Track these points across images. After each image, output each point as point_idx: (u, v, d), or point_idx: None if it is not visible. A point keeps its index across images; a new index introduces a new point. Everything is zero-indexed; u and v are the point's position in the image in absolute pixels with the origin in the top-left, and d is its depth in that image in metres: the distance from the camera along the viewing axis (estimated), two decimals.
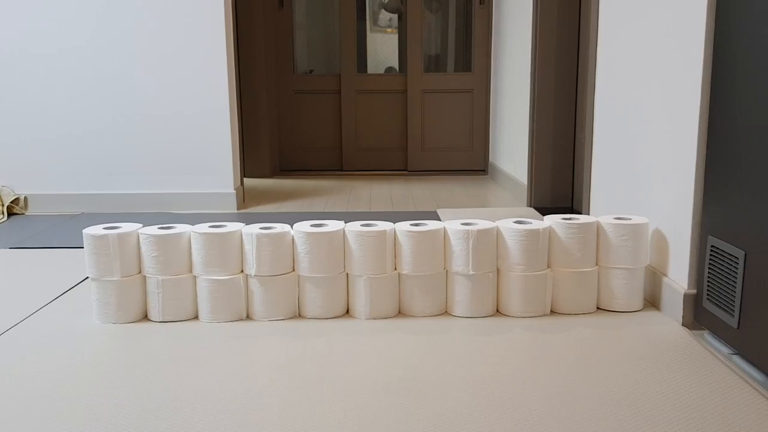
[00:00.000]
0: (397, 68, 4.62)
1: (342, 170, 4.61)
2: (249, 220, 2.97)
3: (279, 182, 4.15)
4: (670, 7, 1.76)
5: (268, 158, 4.35)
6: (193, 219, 2.96)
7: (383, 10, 4.63)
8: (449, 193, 3.73)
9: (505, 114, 3.95)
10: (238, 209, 3.22)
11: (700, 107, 1.59)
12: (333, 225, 1.80)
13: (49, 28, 3.06)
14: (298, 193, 3.72)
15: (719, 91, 1.51)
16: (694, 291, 1.65)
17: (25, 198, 3.13)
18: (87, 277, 2.13)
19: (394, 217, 3.01)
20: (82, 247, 2.50)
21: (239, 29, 4.14)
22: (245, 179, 4.28)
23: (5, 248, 2.52)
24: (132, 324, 1.74)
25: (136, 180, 3.17)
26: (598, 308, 1.82)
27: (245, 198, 3.55)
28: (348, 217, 2.99)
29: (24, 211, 3.12)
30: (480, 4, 4.36)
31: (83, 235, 1.73)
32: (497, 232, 1.77)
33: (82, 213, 3.15)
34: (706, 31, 1.56)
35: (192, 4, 3.05)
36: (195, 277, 1.77)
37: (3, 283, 2.10)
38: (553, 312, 1.80)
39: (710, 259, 1.55)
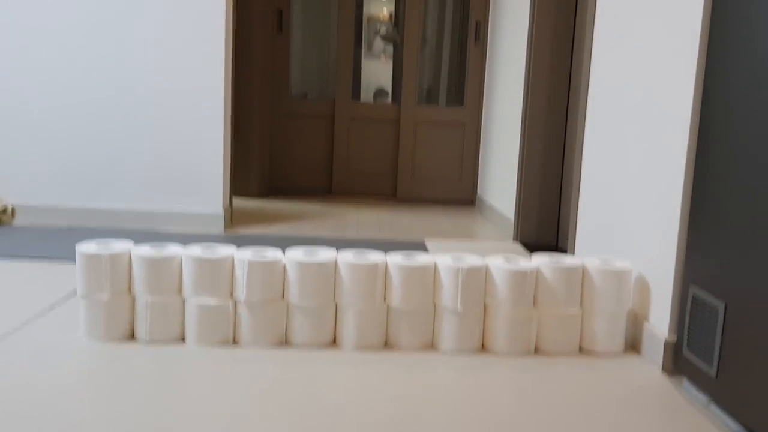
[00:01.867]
0: (390, 93, 4.68)
1: (330, 193, 4.63)
2: (236, 242, 2.98)
3: (267, 203, 4.16)
4: (659, 53, 1.81)
5: (257, 178, 4.37)
6: (180, 239, 2.97)
7: (378, 38, 4.69)
8: (436, 224, 3.77)
9: (495, 149, 4.01)
10: (225, 230, 3.24)
11: (686, 157, 1.64)
12: (325, 254, 1.82)
13: (46, 42, 3.08)
14: (285, 215, 3.74)
15: (706, 143, 1.56)
16: (675, 338, 1.69)
17: (13, 208, 3.12)
18: (75, 292, 2.13)
19: (383, 245, 3.03)
20: (70, 261, 2.50)
21: (238, 51, 4.18)
22: (233, 198, 4.29)
23: None
24: (118, 343, 1.74)
25: (125, 196, 3.17)
26: (580, 349, 1.85)
27: (233, 219, 3.56)
28: (337, 244, 3.01)
29: (12, 221, 3.12)
30: (476, 41, 4.44)
31: (76, 251, 1.74)
32: (486, 270, 1.81)
33: (69, 226, 3.14)
34: (695, 83, 1.62)
35: (193, 24, 3.09)
36: (184, 300, 1.78)
37: None
38: (537, 351, 1.83)
39: (691, 308, 1.59)
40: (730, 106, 1.46)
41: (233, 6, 3.26)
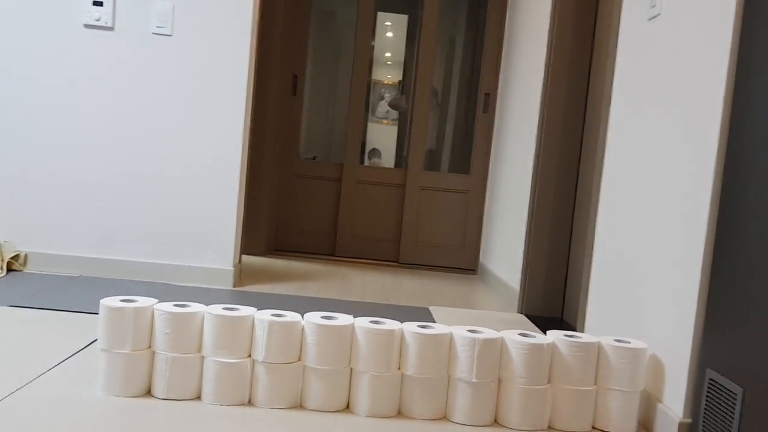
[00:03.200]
0: (393, 156, 4.78)
1: (334, 255, 4.66)
2: (246, 298, 3.00)
3: (273, 262, 4.19)
4: (680, 119, 1.88)
5: (264, 236, 4.40)
6: (191, 293, 2.98)
7: (383, 102, 4.82)
8: (440, 290, 3.79)
9: (499, 219, 4.07)
10: (234, 286, 3.25)
11: (706, 233, 1.68)
12: (342, 319, 1.84)
13: (66, 96, 3.16)
14: (291, 275, 3.76)
15: (728, 220, 1.61)
16: (689, 420, 1.70)
17: (25, 255, 3.14)
18: (89, 344, 2.13)
19: (388, 310, 3.05)
20: (84, 312, 2.51)
21: (255, 113, 4.27)
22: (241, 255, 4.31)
23: (5, 305, 2.52)
24: (135, 398, 1.74)
25: (137, 248, 3.20)
26: (593, 427, 1.86)
27: (241, 275, 3.58)
28: (342, 306, 3.03)
29: (23, 268, 3.13)
30: (484, 112, 4.55)
31: (100, 305, 1.76)
32: (502, 343, 1.83)
33: (81, 275, 3.16)
34: (718, 152, 1.68)
35: (214, 88, 3.18)
36: (203, 358, 1.79)
37: (2, 344, 2.10)
38: (550, 427, 1.84)
39: (708, 392, 1.61)
40: (753, 179, 1.52)
41: (254, 70, 3.36)
